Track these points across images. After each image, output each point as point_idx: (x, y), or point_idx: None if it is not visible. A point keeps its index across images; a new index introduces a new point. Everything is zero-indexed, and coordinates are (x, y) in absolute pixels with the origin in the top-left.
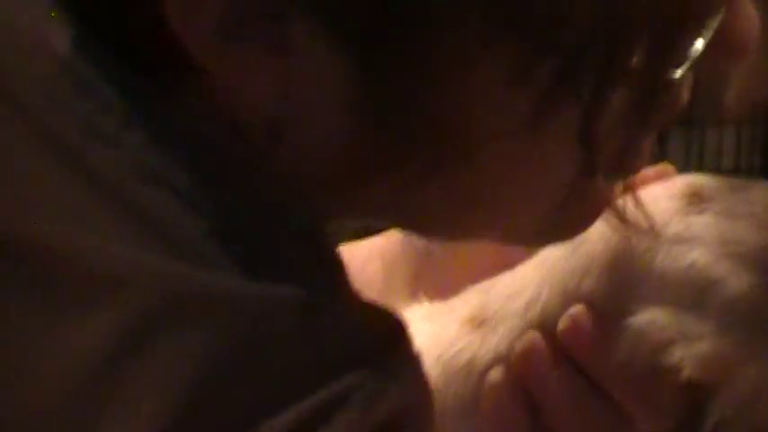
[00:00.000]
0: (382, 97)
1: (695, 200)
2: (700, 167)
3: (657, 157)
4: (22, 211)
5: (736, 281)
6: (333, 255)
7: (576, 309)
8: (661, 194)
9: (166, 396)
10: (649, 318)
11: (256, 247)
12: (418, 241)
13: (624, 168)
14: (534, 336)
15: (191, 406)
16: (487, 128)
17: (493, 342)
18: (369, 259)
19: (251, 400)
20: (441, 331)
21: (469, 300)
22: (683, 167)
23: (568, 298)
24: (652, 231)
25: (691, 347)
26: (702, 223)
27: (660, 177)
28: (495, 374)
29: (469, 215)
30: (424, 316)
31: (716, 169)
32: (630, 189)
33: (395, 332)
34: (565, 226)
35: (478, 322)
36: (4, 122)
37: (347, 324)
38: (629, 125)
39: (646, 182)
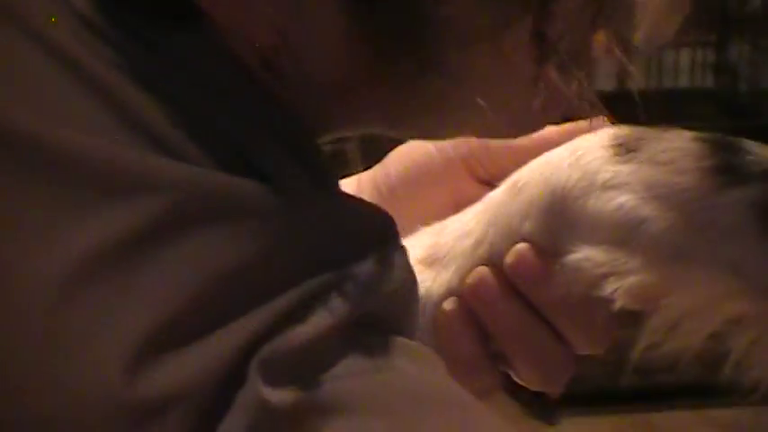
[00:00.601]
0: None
1: (622, 150)
2: (659, 86)
3: (620, 79)
4: (17, 105)
5: (660, 221)
6: (323, 160)
7: (521, 245)
8: (591, 145)
9: (170, 293)
10: (584, 255)
11: (251, 151)
12: (381, 185)
13: (578, 63)
14: (483, 270)
15: (196, 299)
16: (460, 36)
17: (445, 278)
18: None
19: (252, 290)
20: None
21: (423, 241)
22: (645, 86)
23: (512, 238)
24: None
25: (622, 281)
26: (628, 171)
27: (595, 129)
28: (448, 305)
29: (447, 116)
30: None
31: (673, 88)
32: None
33: (387, 223)
34: (530, 119)
35: (431, 261)
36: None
37: (344, 216)
38: (579, 24)
39: (582, 131)
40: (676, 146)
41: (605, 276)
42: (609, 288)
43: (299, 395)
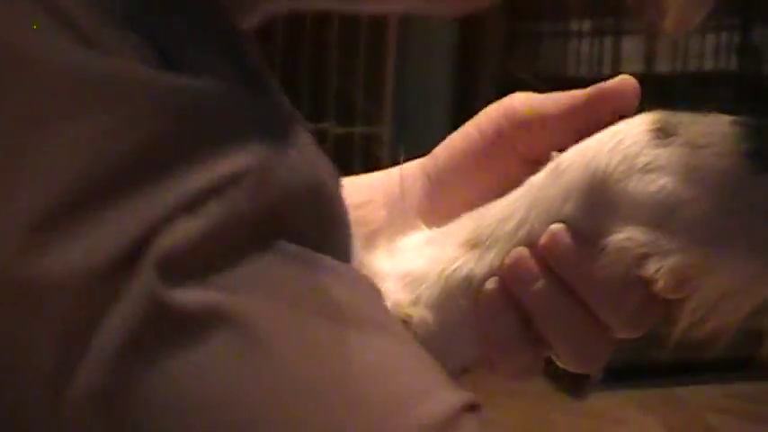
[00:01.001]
0: None
1: (661, 134)
2: (684, 69)
3: (647, 62)
4: None
5: (699, 203)
6: (253, 59)
7: (556, 226)
8: (631, 130)
9: (63, 177)
10: (627, 235)
11: (169, 42)
12: (430, 173)
13: None
14: (521, 250)
15: (89, 181)
16: None
17: (488, 259)
18: (369, 195)
19: (146, 175)
20: (441, 253)
21: (465, 225)
22: (671, 69)
23: (552, 220)
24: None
25: (663, 261)
26: (668, 154)
27: (621, 86)
28: (490, 285)
29: None
30: (424, 241)
31: (698, 70)
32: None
33: (292, 119)
34: None
35: (474, 243)
36: None
37: (257, 113)
38: None
39: (608, 92)
40: (714, 129)
41: (647, 256)
42: (651, 268)
43: (193, 295)
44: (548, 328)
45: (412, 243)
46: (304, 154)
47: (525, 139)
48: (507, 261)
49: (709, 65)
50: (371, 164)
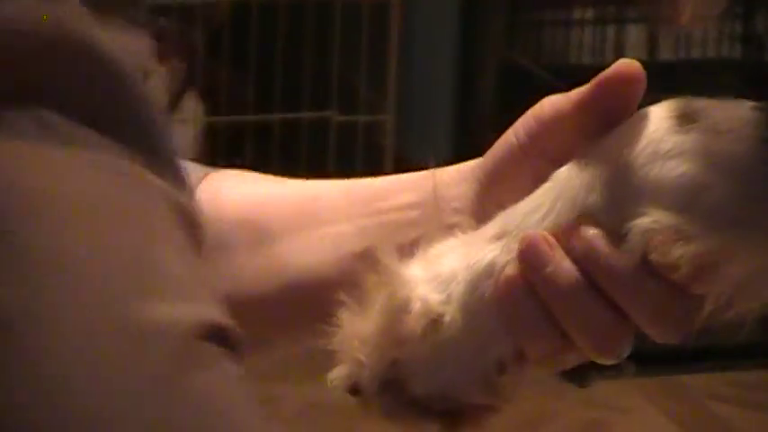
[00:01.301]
0: None
1: (683, 120)
2: (687, 57)
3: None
4: None
5: (720, 188)
6: None
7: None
8: (653, 116)
9: None
10: (650, 220)
11: None
12: (480, 175)
13: None
14: (534, 233)
15: None
16: None
17: (513, 248)
18: (401, 190)
19: None
20: (470, 251)
21: (495, 222)
22: (674, 57)
23: (577, 210)
24: None
25: (686, 246)
26: (690, 140)
27: (622, 70)
28: (510, 269)
29: None
30: (456, 244)
31: (701, 58)
32: None
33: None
34: None
35: (501, 235)
36: None
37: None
38: None
39: (610, 79)
40: (735, 115)
41: (671, 242)
42: (674, 254)
43: None
44: (563, 315)
45: (444, 247)
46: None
47: (550, 139)
48: (521, 244)
49: (711, 53)
50: (375, 153)
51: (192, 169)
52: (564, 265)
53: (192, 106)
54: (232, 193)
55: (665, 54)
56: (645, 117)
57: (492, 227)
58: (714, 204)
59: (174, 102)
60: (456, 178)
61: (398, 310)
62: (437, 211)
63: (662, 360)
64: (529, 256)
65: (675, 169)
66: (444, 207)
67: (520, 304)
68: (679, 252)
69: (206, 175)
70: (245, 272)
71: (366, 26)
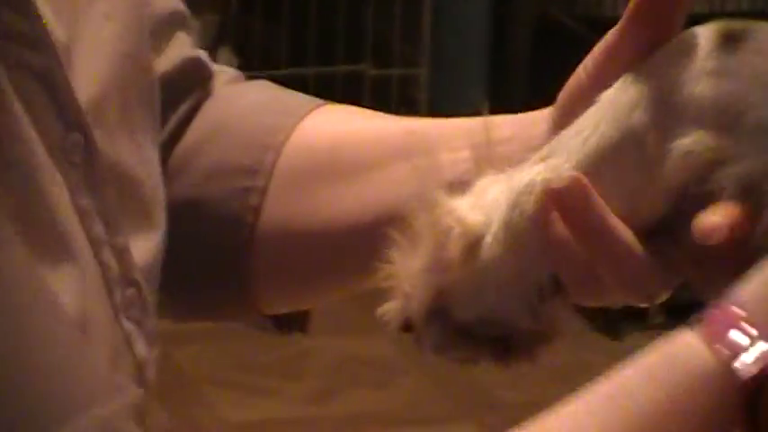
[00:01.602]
0: None
1: (729, 40)
2: (722, 9)
3: None
4: None
5: (765, 108)
6: None
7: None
8: (699, 36)
9: None
10: (693, 139)
11: None
12: (553, 118)
13: None
14: (577, 175)
15: None
16: None
17: (555, 163)
18: (512, 132)
19: None
20: (515, 174)
21: (543, 149)
22: (708, 9)
23: (621, 129)
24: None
25: (730, 167)
26: (735, 60)
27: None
28: (552, 184)
29: None
30: (506, 175)
31: (734, 11)
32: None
33: None
34: None
35: (546, 156)
36: None
37: None
38: None
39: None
40: None
41: (715, 161)
42: (719, 175)
43: None
44: (593, 249)
45: (491, 179)
46: None
47: (614, 68)
48: (558, 183)
49: (745, 5)
50: (408, 106)
51: (302, 100)
52: (599, 203)
53: (225, 60)
54: (335, 126)
55: (700, 6)
56: (691, 37)
57: (538, 153)
58: (759, 124)
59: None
60: (535, 119)
61: (441, 236)
62: (474, 157)
63: (694, 311)
64: (564, 196)
65: (721, 87)
66: (480, 152)
67: (554, 222)
68: (722, 173)
69: (317, 106)
70: (343, 202)
71: None
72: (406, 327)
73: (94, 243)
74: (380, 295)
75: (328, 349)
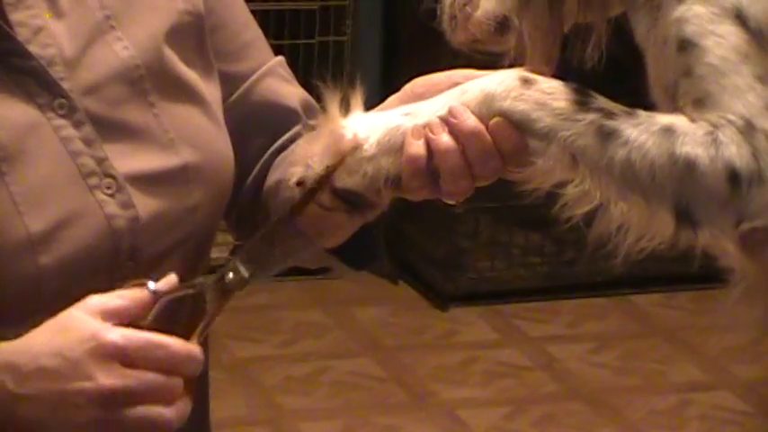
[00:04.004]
0: None
1: None
2: None
3: None
4: None
5: None
6: None
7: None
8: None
9: None
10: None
11: None
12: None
13: None
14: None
15: None
16: None
17: (415, 119)
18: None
19: None
20: (389, 115)
21: (407, 106)
22: None
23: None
24: None
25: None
26: None
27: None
28: (411, 128)
29: None
30: (382, 112)
31: None
32: None
33: None
34: None
35: (408, 113)
36: None
37: None
38: None
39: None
40: None
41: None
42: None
43: None
44: (439, 161)
45: (374, 112)
46: None
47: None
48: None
49: None
50: None
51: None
52: (444, 136)
53: None
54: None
55: None
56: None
57: (404, 108)
58: None
59: None
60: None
61: (338, 136)
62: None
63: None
64: (428, 128)
65: None
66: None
67: (412, 146)
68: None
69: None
70: None
71: None
72: (299, 183)
73: (73, 154)
74: None
75: None
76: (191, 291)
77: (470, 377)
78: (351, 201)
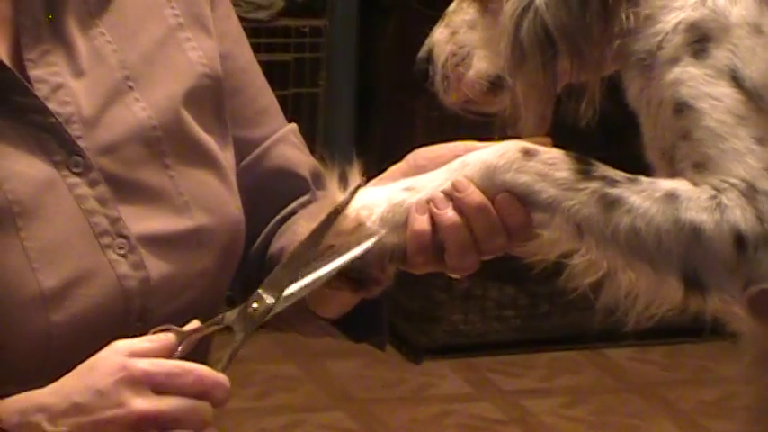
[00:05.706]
0: None
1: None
2: None
3: None
4: None
5: None
6: None
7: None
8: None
9: None
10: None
11: None
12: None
13: None
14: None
15: None
16: None
17: (417, 194)
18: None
19: None
20: (391, 190)
21: (409, 179)
22: None
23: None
24: None
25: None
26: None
27: None
28: (414, 204)
29: None
30: (385, 187)
31: None
32: None
33: None
34: None
35: (410, 188)
36: None
37: None
38: None
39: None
40: None
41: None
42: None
43: None
44: (445, 234)
45: (375, 187)
46: None
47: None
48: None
49: None
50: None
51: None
52: (449, 211)
53: None
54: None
55: None
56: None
57: (405, 182)
58: None
59: None
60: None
61: (339, 215)
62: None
63: (597, 338)
64: (432, 203)
65: None
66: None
67: (417, 222)
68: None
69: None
70: None
71: None
72: None
73: (86, 213)
74: None
75: None
76: (215, 327)
77: (444, 431)
78: (356, 279)
